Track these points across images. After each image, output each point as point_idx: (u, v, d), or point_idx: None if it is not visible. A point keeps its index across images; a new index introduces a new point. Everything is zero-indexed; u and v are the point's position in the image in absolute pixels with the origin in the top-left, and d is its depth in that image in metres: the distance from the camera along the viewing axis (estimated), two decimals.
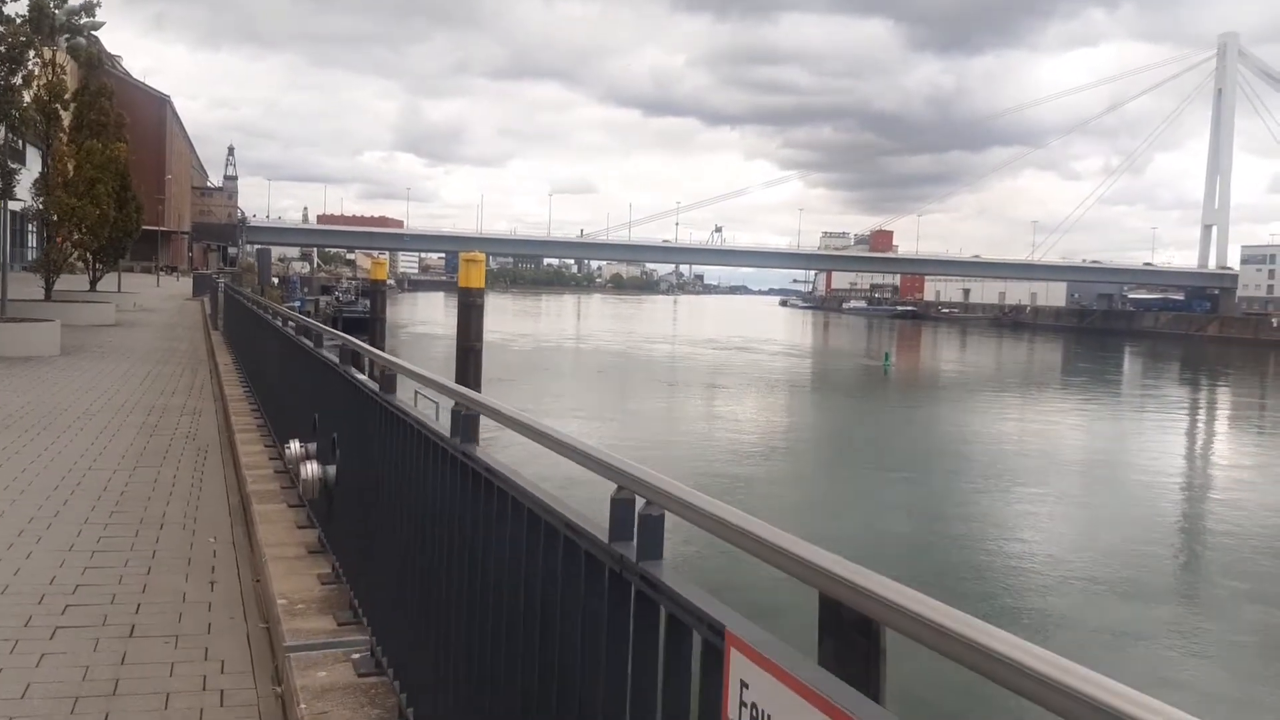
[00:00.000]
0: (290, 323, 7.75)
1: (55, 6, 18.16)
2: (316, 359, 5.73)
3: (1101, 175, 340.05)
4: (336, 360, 5.08)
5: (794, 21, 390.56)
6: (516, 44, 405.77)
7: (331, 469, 4.82)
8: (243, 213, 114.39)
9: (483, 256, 35.83)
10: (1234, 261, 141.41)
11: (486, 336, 34.28)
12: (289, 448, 5.54)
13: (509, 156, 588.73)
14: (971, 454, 33.53)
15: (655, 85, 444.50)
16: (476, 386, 31.25)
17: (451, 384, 3.05)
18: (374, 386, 4.08)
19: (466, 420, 2.80)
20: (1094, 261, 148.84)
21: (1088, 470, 31.34)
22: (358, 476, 4.47)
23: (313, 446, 5.38)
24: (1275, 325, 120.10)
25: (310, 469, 4.80)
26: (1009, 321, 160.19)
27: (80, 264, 33.41)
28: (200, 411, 11.52)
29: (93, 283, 34.84)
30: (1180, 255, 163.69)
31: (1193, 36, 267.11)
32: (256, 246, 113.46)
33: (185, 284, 54.52)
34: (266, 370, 9.73)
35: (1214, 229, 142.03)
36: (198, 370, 15.94)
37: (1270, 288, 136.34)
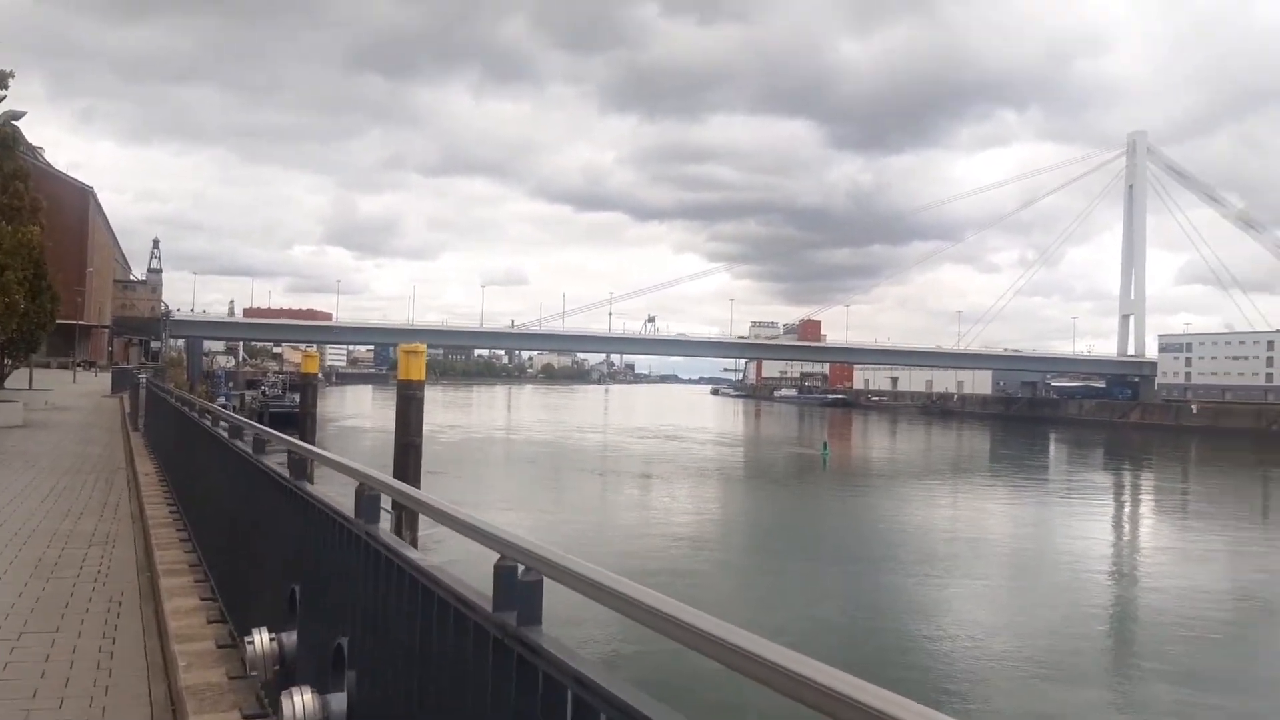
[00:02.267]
0: (244, 434, 5.69)
1: None
2: (298, 499, 3.84)
3: (1017, 267, 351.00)
4: (345, 515, 3.18)
5: (720, 122, 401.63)
6: (450, 140, 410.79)
7: (339, 700, 2.88)
8: (166, 306, 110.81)
9: (423, 348, 33.91)
10: (1150, 350, 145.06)
11: None
12: (251, 643, 3.58)
13: (441, 249, 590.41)
14: (910, 543, 34.22)
15: (585, 181, 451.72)
16: (416, 483, 29.21)
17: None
18: (468, 595, 2.23)
19: None
20: (1015, 350, 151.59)
21: (1017, 558, 32.40)
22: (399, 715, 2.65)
23: (292, 639, 3.50)
24: (1195, 412, 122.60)
25: (302, 703, 2.83)
26: (937, 410, 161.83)
27: None
28: (114, 540, 9.32)
29: (0, 379, 32.14)
30: (1097, 344, 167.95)
31: (1096, 137, 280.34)
32: (183, 339, 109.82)
33: (104, 380, 51.20)
34: (203, 490, 7.71)
35: (1131, 319, 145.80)
36: (113, 482, 13.64)
37: (1188, 375, 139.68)
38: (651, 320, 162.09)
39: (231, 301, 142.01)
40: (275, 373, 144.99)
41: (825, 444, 78.54)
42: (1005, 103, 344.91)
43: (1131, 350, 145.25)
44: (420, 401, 31.45)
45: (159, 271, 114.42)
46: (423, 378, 32.67)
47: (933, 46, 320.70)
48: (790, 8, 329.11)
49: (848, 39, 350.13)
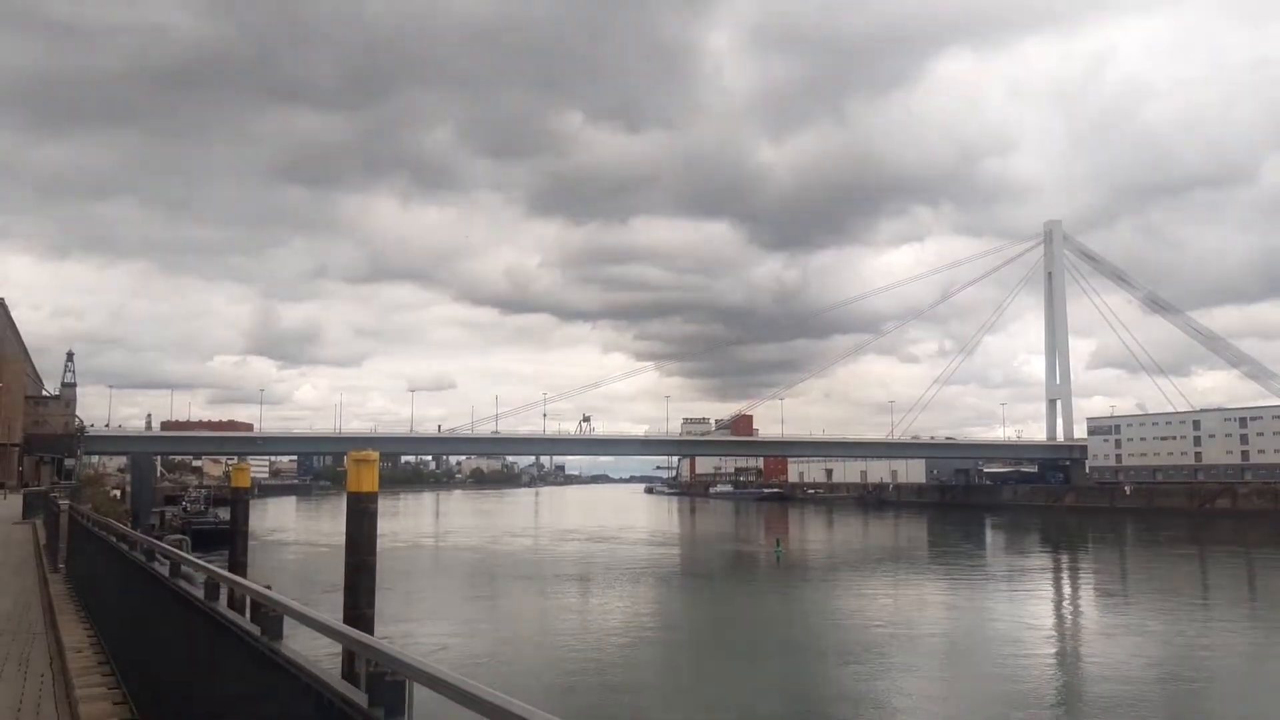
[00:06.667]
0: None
1: None
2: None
3: (936, 357, 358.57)
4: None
5: (644, 224, 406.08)
6: (375, 248, 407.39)
7: None
8: (81, 420, 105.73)
9: (375, 456, 31.12)
10: (1079, 433, 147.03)
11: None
12: None
13: (366, 356, 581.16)
14: (866, 637, 34.25)
15: (511, 285, 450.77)
16: (370, 607, 26.66)
17: None
18: None
19: None
20: (948, 438, 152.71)
21: (973, 648, 32.78)
22: None
23: None
24: (1129, 493, 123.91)
25: None
26: (874, 500, 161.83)
27: None
28: None
29: None
30: (1024, 429, 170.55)
31: (1006, 230, 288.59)
32: (125, 455, 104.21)
33: (15, 503, 47.07)
34: (180, 687, 5.50)
35: (1059, 403, 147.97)
36: (27, 663, 8.75)
37: (1118, 457, 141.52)
38: (587, 420, 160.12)
39: (149, 415, 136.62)
40: (196, 487, 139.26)
41: (779, 542, 78.13)
42: (919, 200, 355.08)
43: (1060, 434, 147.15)
44: (374, 515, 28.63)
45: (73, 385, 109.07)
46: (375, 489, 29.97)
47: (845, 149, 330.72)
48: (713, 115, 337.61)
49: (767, 144, 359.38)
